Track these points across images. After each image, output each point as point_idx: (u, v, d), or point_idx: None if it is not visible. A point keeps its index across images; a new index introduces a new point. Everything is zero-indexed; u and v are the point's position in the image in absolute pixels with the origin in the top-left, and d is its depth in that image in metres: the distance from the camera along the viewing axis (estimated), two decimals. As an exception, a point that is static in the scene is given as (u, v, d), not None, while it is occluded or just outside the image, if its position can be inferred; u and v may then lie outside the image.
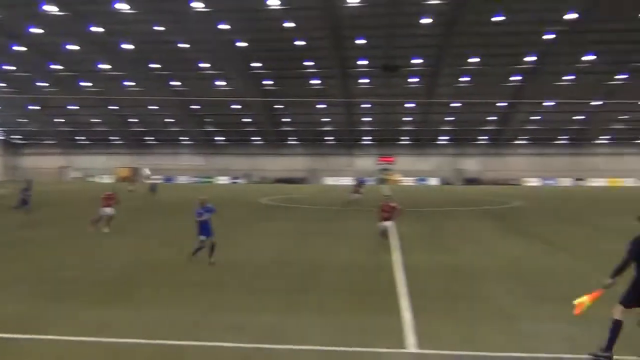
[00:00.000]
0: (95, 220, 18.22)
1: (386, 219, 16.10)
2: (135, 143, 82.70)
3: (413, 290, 10.05)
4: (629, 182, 72.83)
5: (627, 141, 74.78)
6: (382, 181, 75.51)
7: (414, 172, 78.27)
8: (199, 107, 73.29)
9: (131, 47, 54.85)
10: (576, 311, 6.80)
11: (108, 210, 18.30)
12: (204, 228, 12.36)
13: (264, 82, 65.15)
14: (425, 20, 47.33)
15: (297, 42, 53.31)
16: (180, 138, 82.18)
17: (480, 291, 10.28)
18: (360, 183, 35.10)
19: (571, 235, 18.92)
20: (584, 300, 6.78)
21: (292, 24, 48.72)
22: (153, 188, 42.43)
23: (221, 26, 49.45)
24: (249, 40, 54.16)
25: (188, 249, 12.72)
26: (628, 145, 75.17)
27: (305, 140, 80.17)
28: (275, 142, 79.79)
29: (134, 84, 65.30)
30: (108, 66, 60.63)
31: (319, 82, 63.59)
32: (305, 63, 59.02)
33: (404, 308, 8.82)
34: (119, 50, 55.69)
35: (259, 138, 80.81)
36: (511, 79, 60.53)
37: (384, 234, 16.13)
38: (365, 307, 8.96)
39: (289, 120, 76.52)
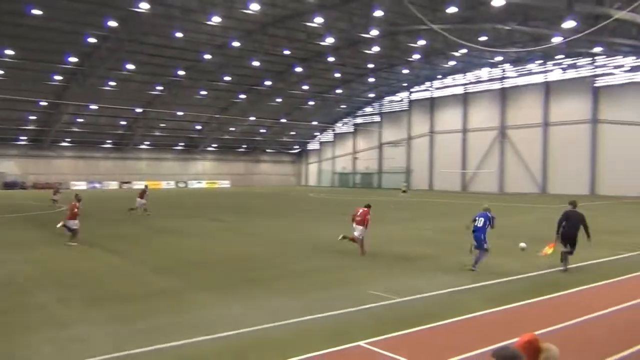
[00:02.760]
0: None
1: None
2: None
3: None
4: (166, 184, 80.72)
5: (165, 147, 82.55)
6: None
7: None
8: None
9: None
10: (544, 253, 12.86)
11: None
12: None
13: None
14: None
15: None
16: None
17: (29, 302, 9.51)
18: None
19: (125, 236, 19.51)
20: (546, 250, 12.83)
21: None
22: None
23: None
24: None
25: None
26: (166, 150, 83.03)
27: None
28: None
29: None
30: None
31: None
32: None
33: None
34: None
35: None
36: (54, 78, 57.74)
37: None
38: None
39: None
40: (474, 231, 12.73)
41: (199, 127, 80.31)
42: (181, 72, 59.69)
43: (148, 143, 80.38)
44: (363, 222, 14.78)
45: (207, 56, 54.40)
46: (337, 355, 6.89)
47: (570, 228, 12.64)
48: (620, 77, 53.12)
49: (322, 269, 13.15)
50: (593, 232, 12.59)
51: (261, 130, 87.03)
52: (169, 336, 7.59)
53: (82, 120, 69.50)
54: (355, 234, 14.87)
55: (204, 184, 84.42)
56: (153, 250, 16.02)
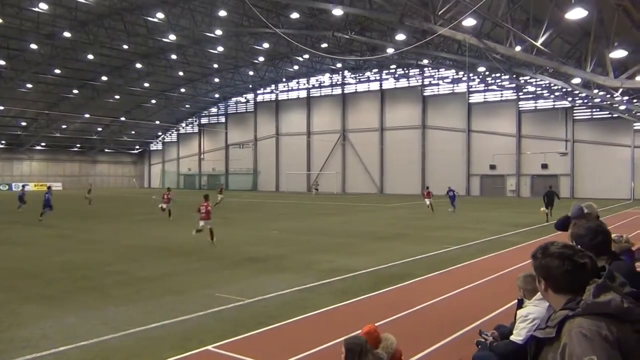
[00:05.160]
0: None
1: None
2: None
3: None
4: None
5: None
6: None
7: None
8: None
9: None
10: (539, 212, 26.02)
11: None
12: None
13: None
14: None
15: None
16: None
17: None
18: None
19: None
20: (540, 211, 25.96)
21: None
22: None
23: None
24: None
25: None
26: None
27: None
28: None
29: None
30: None
31: None
32: None
33: None
34: None
35: None
36: None
37: None
38: None
39: None
40: (450, 198, 30.79)
41: (24, 124, 72.48)
42: (1, 62, 53.30)
43: None
44: (429, 196, 31.31)
45: (33, 46, 49.27)
46: (185, 362, 6.71)
47: (550, 199, 26.61)
48: (444, 88, 59.09)
49: (168, 273, 12.69)
50: (422, 230, 13.81)
51: (98, 129, 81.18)
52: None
53: None
54: (427, 202, 31.07)
55: (31, 187, 76.20)
56: None
